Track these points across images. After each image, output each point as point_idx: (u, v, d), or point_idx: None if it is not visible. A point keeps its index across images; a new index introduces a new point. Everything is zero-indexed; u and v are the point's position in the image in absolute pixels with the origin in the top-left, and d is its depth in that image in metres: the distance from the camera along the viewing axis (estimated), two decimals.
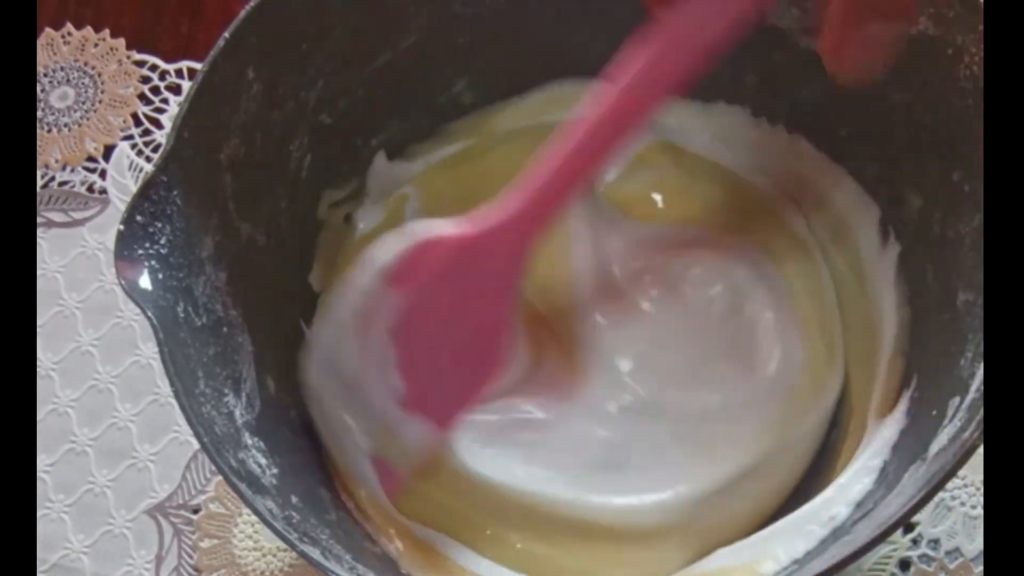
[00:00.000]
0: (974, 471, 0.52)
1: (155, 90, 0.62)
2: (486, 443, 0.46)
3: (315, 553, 0.37)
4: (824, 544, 0.43)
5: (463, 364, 0.45)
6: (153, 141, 0.61)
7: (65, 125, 0.62)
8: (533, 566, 0.46)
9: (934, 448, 0.39)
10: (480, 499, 0.46)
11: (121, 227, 0.39)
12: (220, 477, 0.49)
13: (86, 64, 0.63)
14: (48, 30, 0.64)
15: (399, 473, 0.46)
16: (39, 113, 0.62)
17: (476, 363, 0.45)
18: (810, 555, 0.43)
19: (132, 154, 0.61)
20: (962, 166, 0.43)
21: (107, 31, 0.64)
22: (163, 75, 0.63)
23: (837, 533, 0.43)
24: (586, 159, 0.41)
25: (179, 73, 0.63)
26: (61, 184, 0.61)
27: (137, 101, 0.62)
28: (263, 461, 0.42)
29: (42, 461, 0.55)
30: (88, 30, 0.64)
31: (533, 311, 0.49)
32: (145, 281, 0.39)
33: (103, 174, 0.61)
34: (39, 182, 0.61)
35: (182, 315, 0.40)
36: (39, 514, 0.54)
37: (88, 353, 0.57)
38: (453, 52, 0.51)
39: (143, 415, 0.56)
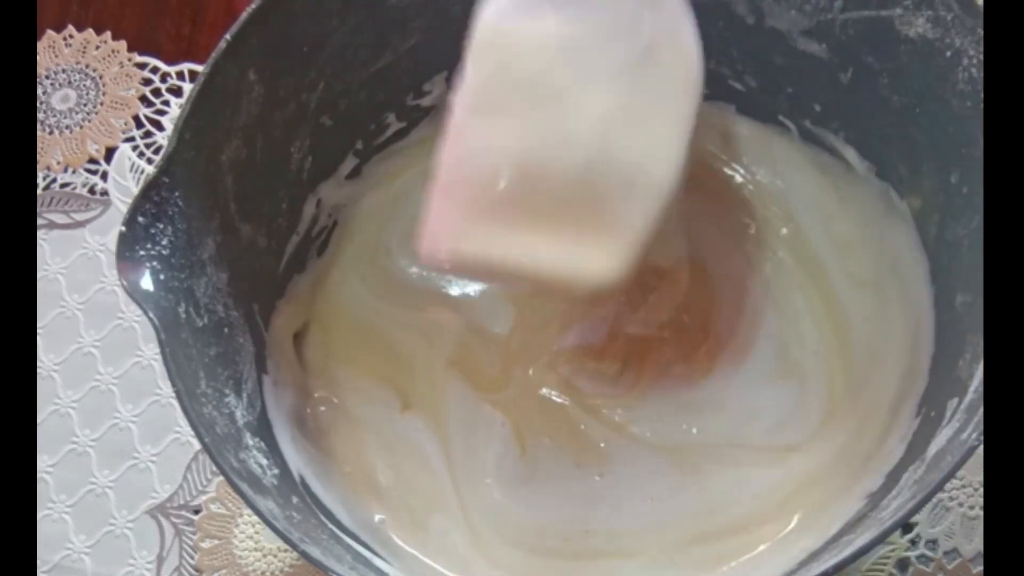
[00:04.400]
0: (972, 471, 0.52)
1: (156, 92, 0.62)
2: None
3: (316, 553, 0.37)
4: (824, 545, 0.43)
5: None
6: (154, 143, 0.62)
7: (67, 127, 0.62)
8: None
9: (933, 449, 0.40)
10: None
11: (123, 228, 0.39)
12: (221, 477, 0.50)
13: (88, 66, 0.63)
14: (50, 32, 0.64)
15: None
16: (41, 115, 0.62)
17: None
18: (811, 555, 0.43)
19: (133, 156, 0.61)
20: (960, 168, 0.43)
21: (108, 33, 0.64)
22: (164, 77, 0.63)
23: (837, 534, 0.43)
24: None
25: (180, 75, 0.63)
26: (63, 186, 0.61)
27: (138, 103, 0.62)
28: (264, 461, 0.42)
29: (44, 462, 0.55)
30: (90, 32, 0.64)
31: None
32: (147, 282, 0.39)
33: (104, 176, 0.61)
34: (41, 184, 0.61)
35: (183, 316, 0.40)
36: (41, 515, 0.55)
37: (90, 354, 0.57)
38: (453, 55, 0.51)
39: (144, 416, 0.56)
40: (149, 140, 0.62)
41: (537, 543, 0.47)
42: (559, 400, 0.50)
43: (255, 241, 0.47)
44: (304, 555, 0.37)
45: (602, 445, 0.48)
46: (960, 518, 0.51)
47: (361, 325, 0.52)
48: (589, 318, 0.51)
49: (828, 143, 0.50)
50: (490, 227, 0.39)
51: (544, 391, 0.50)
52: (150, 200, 0.40)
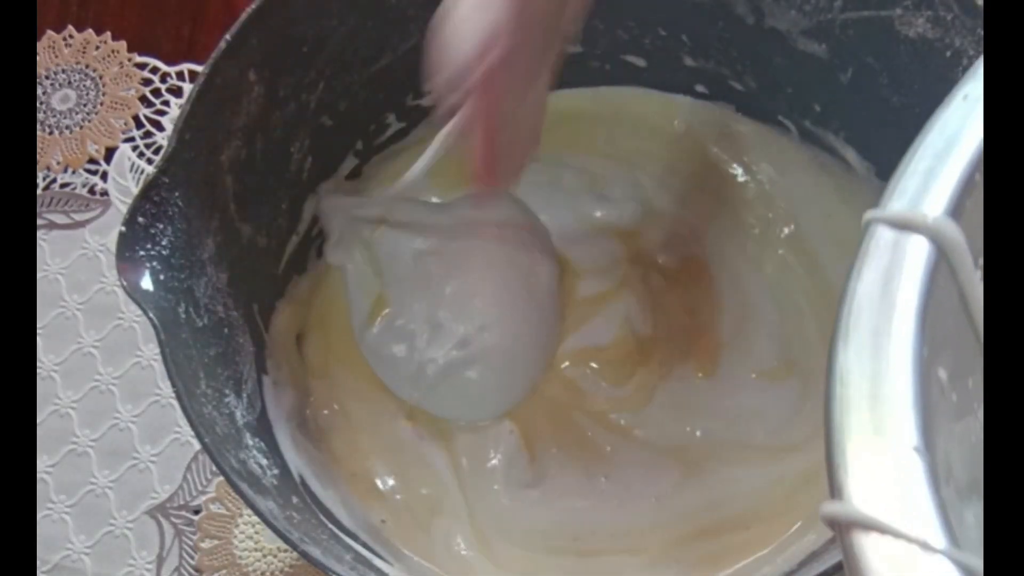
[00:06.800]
0: None
1: (156, 92, 0.62)
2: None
3: (316, 553, 0.37)
4: (825, 544, 0.43)
5: None
6: (154, 143, 0.61)
7: (67, 127, 0.62)
8: None
9: None
10: None
11: (123, 228, 0.39)
12: (221, 478, 0.50)
13: (87, 67, 0.63)
14: (50, 32, 0.64)
15: None
16: (41, 115, 0.62)
17: None
18: (811, 555, 0.43)
19: (133, 156, 0.61)
20: None
21: (108, 34, 0.64)
22: (164, 77, 0.63)
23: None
24: None
25: (180, 75, 0.63)
26: (62, 186, 0.61)
27: (138, 103, 0.62)
28: (264, 462, 0.42)
29: (44, 462, 0.55)
30: (90, 32, 0.64)
31: None
32: (147, 282, 0.39)
33: (104, 176, 0.61)
34: (41, 184, 0.61)
35: (183, 316, 0.40)
36: (41, 515, 0.55)
37: (89, 354, 0.57)
38: None
39: (144, 416, 0.56)
40: (149, 140, 0.62)
41: (544, 543, 0.47)
42: (565, 405, 0.50)
43: (255, 241, 0.47)
44: (304, 555, 0.37)
45: (608, 449, 0.48)
46: None
47: None
48: (594, 320, 0.51)
49: (828, 143, 0.50)
50: None
51: (550, 395, 0.50)
52: (150, 200, 0.40)
